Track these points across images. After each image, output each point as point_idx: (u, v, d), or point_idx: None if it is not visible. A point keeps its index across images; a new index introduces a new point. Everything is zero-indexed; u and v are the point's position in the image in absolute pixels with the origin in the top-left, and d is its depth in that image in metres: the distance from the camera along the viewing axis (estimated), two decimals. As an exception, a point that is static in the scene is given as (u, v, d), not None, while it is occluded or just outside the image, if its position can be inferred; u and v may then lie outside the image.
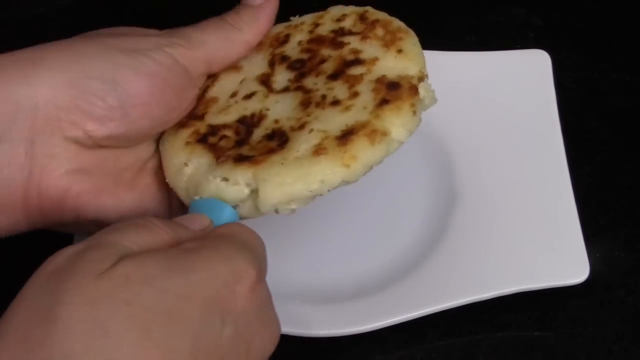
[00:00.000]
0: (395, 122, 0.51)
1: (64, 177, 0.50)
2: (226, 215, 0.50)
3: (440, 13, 0.78)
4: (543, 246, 0.61)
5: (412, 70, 0.54)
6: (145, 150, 0.54)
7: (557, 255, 0.60)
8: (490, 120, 0.68)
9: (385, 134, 0.50)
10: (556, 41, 0.75)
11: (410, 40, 0.55)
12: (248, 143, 0.53)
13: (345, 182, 0.50)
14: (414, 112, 0.52)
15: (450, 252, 0.62)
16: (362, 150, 0.50)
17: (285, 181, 0.49)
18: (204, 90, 0.56)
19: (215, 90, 0.56)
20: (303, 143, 0.50)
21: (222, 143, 0.53)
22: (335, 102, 0.52)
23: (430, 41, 0.71)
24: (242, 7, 0.56)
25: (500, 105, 0.68)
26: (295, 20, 0.59)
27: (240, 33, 0.55)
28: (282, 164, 0.49)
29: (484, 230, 0.62)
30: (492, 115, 0.68)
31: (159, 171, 0.55)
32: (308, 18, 0.59)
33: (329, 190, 0.50)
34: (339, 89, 0.53)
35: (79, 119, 0.49)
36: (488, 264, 0.61)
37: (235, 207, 0.51)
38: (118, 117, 0.49)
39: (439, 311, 0.58)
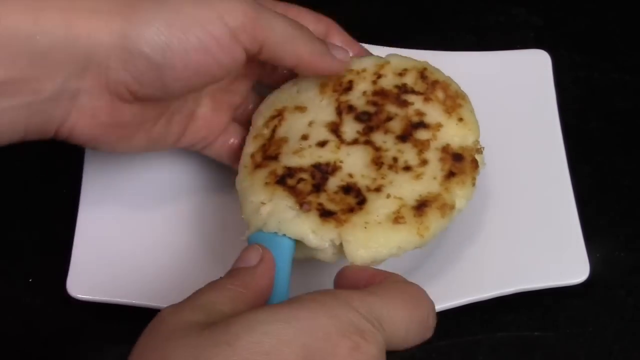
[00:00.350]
0: (460, 194, 0.57)
1: (98, 128, 0.54)
2: (285, 246, 0.54)
3: (441, 13, 0.78)
4: (543, 246, 0.61)
5: (470, 139, 0.59)
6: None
7: (557, 255, 0.60)
8: (490, 120, 0.67)
9: (453, 207, 0.56)
10: (556, 41, 0.75)
11: (468, 107, 0.61)
12: (325, 190, 0.56)
13: (417, 248, 0.56)
14: (474, 184, 0.58)
15: (450, 252, 0.62)
16: (435, 222, 0.56)
17: (370, 245, 0.54)
18: (273, 129, 0.59)
19: (283, 130, 0.59)
20: (381, 208, 0.55)
21: (300, 186, 0.56)
22: (407, 168, 0.57)
23: (431, 41, 0.71)
24: None
25: (500, 105, 0.68)
26: (356, 63, 0.62)
27: None
28: (365, 227, 0.55)
29: (484, 230, 0.62)
30: (492, 115, 0.67)
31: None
32: (369, 65, 0.62)
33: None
34: (409, 154, 0.58)
35: (125, 79, 0.52)
36: (488, 264, 0.61)
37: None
38: (157, 84, 0.53)
39: (439, 311, 0.58)
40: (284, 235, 0.54)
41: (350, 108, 0.60)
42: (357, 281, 0.48)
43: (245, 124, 0.63)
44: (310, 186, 0.56)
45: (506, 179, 0.65)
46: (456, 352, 0.60)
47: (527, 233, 0.62)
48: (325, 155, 0.58)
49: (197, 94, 0.59)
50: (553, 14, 0.77)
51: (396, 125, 0.59)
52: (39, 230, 0.66)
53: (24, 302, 0.63)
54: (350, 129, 0.60)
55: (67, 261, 0.60)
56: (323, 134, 0.59)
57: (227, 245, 0.63)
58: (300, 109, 0.60)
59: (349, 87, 0.61)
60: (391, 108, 0.60)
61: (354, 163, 0.58)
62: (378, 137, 0.59)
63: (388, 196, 0.56)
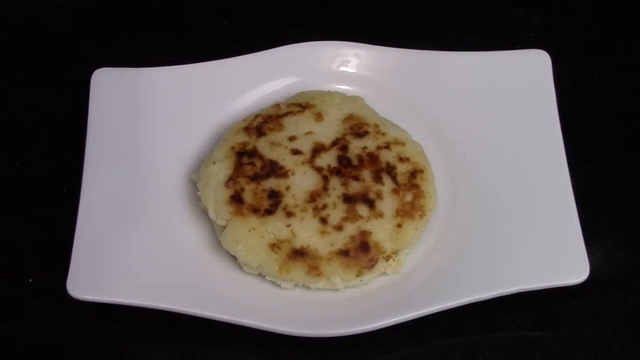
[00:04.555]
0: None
1: None
2: None
3: (441, 13, 0.78)
4: (543, 246, 0.61)
5: (394, 247, 0.63)
6: None
7: (557, 256, 0.60)
8: (491, 120, 0.67)
9: None
10: (556, 41, 0.75)
11: (418, 226, 0.64)
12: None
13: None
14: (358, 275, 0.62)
15: (451, 252, 0.62)
16: None
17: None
18: None
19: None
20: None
21: None
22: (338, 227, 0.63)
23: (431, 41, 0.71)
24: None
25: (501, 105, 0.68)
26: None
27: None
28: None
29: (485, 231, 0.62)
30: (493, 115, 0.68)
31: None
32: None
33: None
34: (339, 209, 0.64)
35: None
36: (488, 264, 0.60)
37: None
38: None
39: (439, 311, 0.58)
40: None
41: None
42: None
43: None
44: None
45: (506, 179, 0.64)
46: (456, 352, 0.60)
47: (527, 233, 0.62)
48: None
49: None
50: (553, 14, 0.77)
51: (354, 188, 0.63)
52: (39, 230, 0.66)
53: (24, 302, 0.63)
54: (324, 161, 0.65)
55: (67, 261, 0.60)
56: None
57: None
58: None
59: (345, 146, 0.65)
60: (365, 174, 0.64)
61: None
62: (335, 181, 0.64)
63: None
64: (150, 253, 0.62)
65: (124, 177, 0.65)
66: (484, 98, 0.68)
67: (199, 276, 0.62)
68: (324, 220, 0.62)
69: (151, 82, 0.69)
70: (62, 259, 0.61)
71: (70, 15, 0.80)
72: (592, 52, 0.74)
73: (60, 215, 0.65)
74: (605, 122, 0.71)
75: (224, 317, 0.58)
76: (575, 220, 0.62)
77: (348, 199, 0.63)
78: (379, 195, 0.63)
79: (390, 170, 0.64)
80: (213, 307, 0.59)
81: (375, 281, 0.62)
